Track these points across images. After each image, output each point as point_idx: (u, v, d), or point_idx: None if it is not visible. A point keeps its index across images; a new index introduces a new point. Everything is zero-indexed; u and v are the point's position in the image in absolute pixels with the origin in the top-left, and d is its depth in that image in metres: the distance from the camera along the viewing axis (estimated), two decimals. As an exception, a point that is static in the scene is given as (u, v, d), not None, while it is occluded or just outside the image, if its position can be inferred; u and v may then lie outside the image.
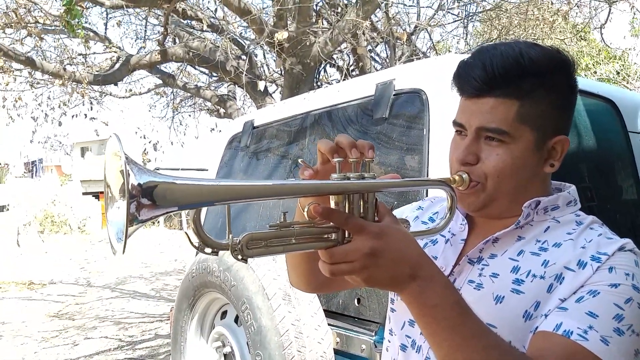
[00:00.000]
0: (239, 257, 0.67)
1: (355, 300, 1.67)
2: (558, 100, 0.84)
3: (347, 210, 0.71)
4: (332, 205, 0.72)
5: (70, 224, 18.58)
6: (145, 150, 6.73)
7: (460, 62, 0.87)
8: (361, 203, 0.72)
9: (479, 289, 0.84)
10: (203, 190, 0.64)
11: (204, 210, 2.66)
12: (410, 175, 1.62)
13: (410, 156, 1.66)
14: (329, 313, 1.72)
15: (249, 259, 0.68)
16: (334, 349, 1.64)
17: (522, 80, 0.81)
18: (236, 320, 1.90)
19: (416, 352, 0.89)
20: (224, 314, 2.00)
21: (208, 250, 0.67)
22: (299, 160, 0.81)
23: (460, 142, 0.87)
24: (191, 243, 0.67)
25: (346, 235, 0.70)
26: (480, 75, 0.82)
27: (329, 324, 1.66)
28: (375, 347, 1.51)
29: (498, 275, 0.83)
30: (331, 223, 0.70)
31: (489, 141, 0.84)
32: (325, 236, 0.71)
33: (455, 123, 0.88)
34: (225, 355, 1.88)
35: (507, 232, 0.86)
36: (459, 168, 0.86)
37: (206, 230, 0.68)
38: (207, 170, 3.01)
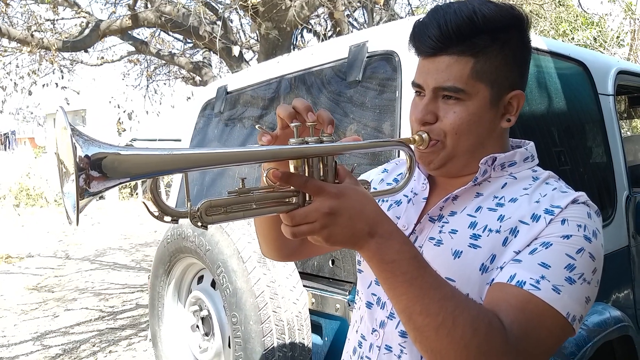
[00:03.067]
0: (199, 224, 0.67)
1: (330, 262, 1.69)
2: (512, 56, 0.85)
3: (306, 174, 0.72)
4: (292, 170, 0.73)
5: (46, 197, 18.29)
6: (119, 119, 6.59)
7: (416, 22, 0.87)
8: (320, 166, 0.73)
9: (439, 245, 0.86)
10: (154, 160, 0.63)
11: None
12: (383, 138, 1.62)
13: (383, 119, 1.66)
14: (304, 275, 1.75)
15: (210, 226, 0.69)
16: (309, 309, 1.67)
17: (476, 37, 0.82)
18: (213, 285, 1.91)
19: (381, 308, 0.92)
20: (201, 278, 2.01)
21: (167, 218, 0.67)
22: (256, 126, 0.81)
23: (419, 102, 0.88)
24: (150, 212, 0.67)
25: (307, 198, 0.71)
26: (435, 34, 0.82)
27: (304, 285, 1.68)
28: (349, 306, 1.54)
29: (457, 231, 0.85)
30: (291, 187, 0.71)
31: (446, 99, 0.85)
32: (287, 200, 0.72)
33: (414, 84, 0.89)
34: (202, 318, 1.90)
35: (466, 189, 0.88)
36: (418, 128, 0.87)
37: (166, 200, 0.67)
38: (180, 140, 2.96)
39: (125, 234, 11.51)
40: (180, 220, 1.96)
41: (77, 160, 0.57)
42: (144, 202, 0.70)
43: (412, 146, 0.87)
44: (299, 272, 1.70)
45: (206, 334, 1.91)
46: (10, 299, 6.26)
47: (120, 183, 0.61)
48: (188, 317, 1.98)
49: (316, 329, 1.70)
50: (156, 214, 0.66)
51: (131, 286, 6.59)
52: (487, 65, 0.83)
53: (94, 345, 4.45)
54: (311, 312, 1.68)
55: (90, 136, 0.60)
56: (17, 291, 6.66)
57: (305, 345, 1.63)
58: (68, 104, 7.40)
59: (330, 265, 1.70)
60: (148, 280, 2.28)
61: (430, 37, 0.83)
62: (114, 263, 8.28)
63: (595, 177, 2.03)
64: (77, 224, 0.60)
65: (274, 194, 0.72)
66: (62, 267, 8.19)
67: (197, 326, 1.94)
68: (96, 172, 0.58)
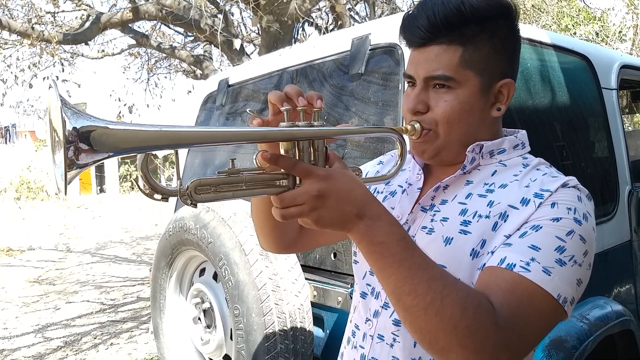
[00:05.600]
0: (188, 202, 0.68)
1: (332, 255, 1.70)
2: (501, 45, 0.86)
3: (297, 158, 0.73)
4: (282, 153, 0.74)
5: (46, 190, 18.30)
6: (120, 113, 6.58)
7: (405, 15, 0.89)
8: (311, 150, 0.74)
9: (431, 234, 0.87)
10: (142, 136, 0.63)
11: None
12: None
13: (385, 112, 1.66)
14: (306, 267, 1.75)
15: (199, 204, 0.70)
16: (311, 301, 1.67)
17: (464, 27, 0.83)
18: (215, 277, 1.92)
19: (375, 298, 0.93)
20: (202, 271, 2.01)
21: (157, 196, 0.67)
22: (247, 110, 0.82)
23: (410, 92, 0.89)
24: (140, 189, 0.68)
25: (296, 181, 0.72)
26: (424, 25, 0.84)
27: (306, 278, 1.69)
28: (351, 298, 1.55)
29: (448, 218, 0.86)
30: (281, 170, 0.72)
31: (437, 89, 0.86)
32: (277, 182, 0.73)
33: (405, 75, 0.91)
34: (204, 311, 1.91)
35: (455, 177, 0.89)
36: (411, 118, 0.88)
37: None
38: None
39: (126, 227, 11.53)
40: (183, 213, 1.94)
41: (66, 133, 0.57)
42: (135, 180, 0.71)
43: (405, 136, 0.88)
44: (301, 265, 1.70)
45: (208, 327, 1.91)
46: (11, 292, 6.28)
47: (109, 157, 0.62)
48: (190, 309, 1.98)
49: (318, 321, 1.71)
50: (147, 191, 0.67)
51: (132, 279, 6.61)
52: (476, 54, 0.84)
53: (95, 338, 4.47)
54: (313, 304, 1.68)
55: (80, 109, 0.60)
56: (19, 284, 6.68)
57: (307, 337, 1.64)
58: (70, 96, 7.39)
59: (332, 258, 1.70)
60: (150, 273, 2.28)
61: (419, 28, 0.85)
62: (115, 256, 8.30)
63: (598, 172, 2.03)
64: (65, 194, 0.62)
65: (264, 175, 0.73)
66: (63, 260, 8.21)
67: (199, 318, 1.94)
68: (85, 144, 0.59)
